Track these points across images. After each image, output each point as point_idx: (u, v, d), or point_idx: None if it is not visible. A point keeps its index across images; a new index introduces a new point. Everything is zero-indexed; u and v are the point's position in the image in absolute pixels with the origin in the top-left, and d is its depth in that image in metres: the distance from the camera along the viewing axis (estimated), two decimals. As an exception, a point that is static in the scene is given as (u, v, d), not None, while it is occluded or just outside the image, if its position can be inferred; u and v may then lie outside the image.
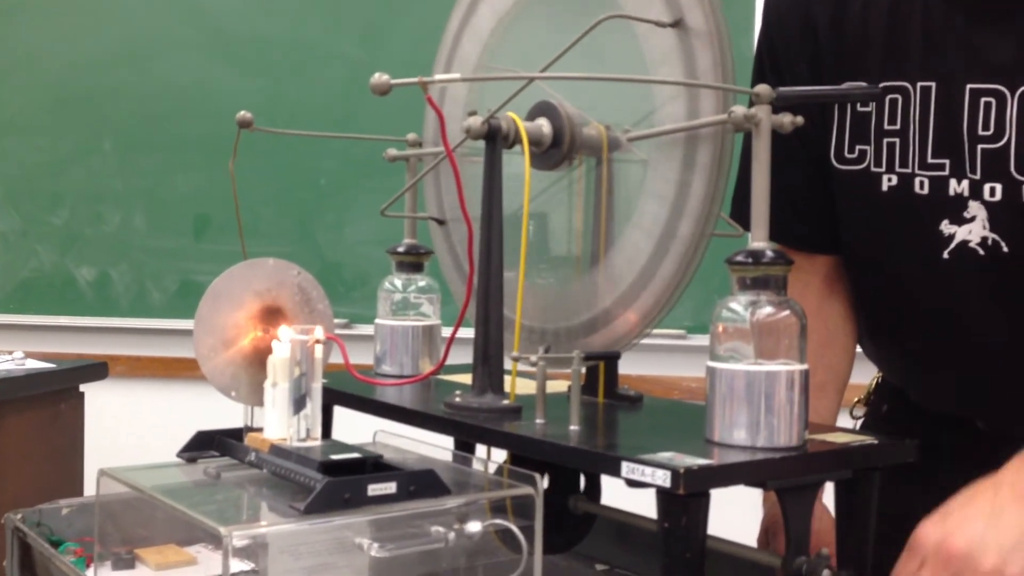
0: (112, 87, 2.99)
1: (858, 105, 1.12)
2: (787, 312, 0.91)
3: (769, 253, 0.91)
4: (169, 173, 2.95)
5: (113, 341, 2.97)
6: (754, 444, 0.89)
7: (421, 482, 0.91)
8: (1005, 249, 1.06)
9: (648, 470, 0.82)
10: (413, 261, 1.35)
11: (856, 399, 1.32)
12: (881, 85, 1.10)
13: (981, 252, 1.07)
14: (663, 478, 0.81)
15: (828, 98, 1.09)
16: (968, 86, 1.06)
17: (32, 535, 1.14)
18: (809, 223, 1.22)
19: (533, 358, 0.98)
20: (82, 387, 1.69)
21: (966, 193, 1.07)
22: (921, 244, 1.11)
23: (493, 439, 0.99)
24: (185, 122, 2.91)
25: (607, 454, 0.87)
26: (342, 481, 0.88)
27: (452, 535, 0.89)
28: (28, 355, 1.69)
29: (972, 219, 1.07)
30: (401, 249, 1.35)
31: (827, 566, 0.88)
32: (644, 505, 1.02)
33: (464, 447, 1.21)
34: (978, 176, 1.06)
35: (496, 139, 1.07)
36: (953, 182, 1.08)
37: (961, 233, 1.08)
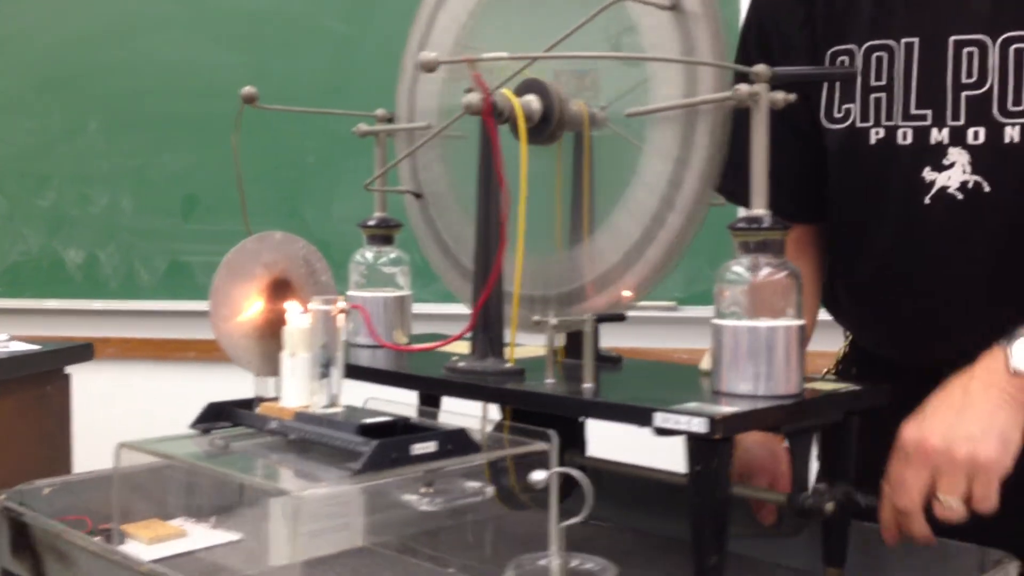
0: (96, 66, 2.95)
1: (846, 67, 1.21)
2: (785, 272, 0.99)
3: (767, 219, 0.99)
4: (156, 153, 2.92)
5: (103, 323, 2.94)
6: (762, 393, 0.97)
7: (456, 441, 0.97)
8: (987, 189, 1.16)
9: (683, 418, 0.90)
10: (384, 234, 1.39)
11: (825, 369, 1.41)
12: (867, 44, 1.20)
13: (960, 196, 1.17)
14: (699, 425, 0.89)
15: (815, 78, 1.18)
16: (951, 38, 1.16)
17: (30, 513, 1.14)
18: (784, 191, 1.31)
19: (553, 321, 1.04)
20: (72, 369, 1.66)
21: (946, 141, 1.17)
22: (904, 192, 1.20)
23: (516, 399, 1.05)
24: (170, 101, 2.88)
25: (639, 406, 0.94)
26: (390, 442, 0.92)
27: (490, 489, 0.95)
28: (17, 339, 1.65)
29: (951, 166, 1.17)
30: (372, 222, 1.39)
31: (830, 499, 0.98)
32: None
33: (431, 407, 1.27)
34: (962, 121, 1.16)
35: (493, 115, 1.12)
36: (935, 131, 1.17)
37: (941, 179, 1.18)
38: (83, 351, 1.66)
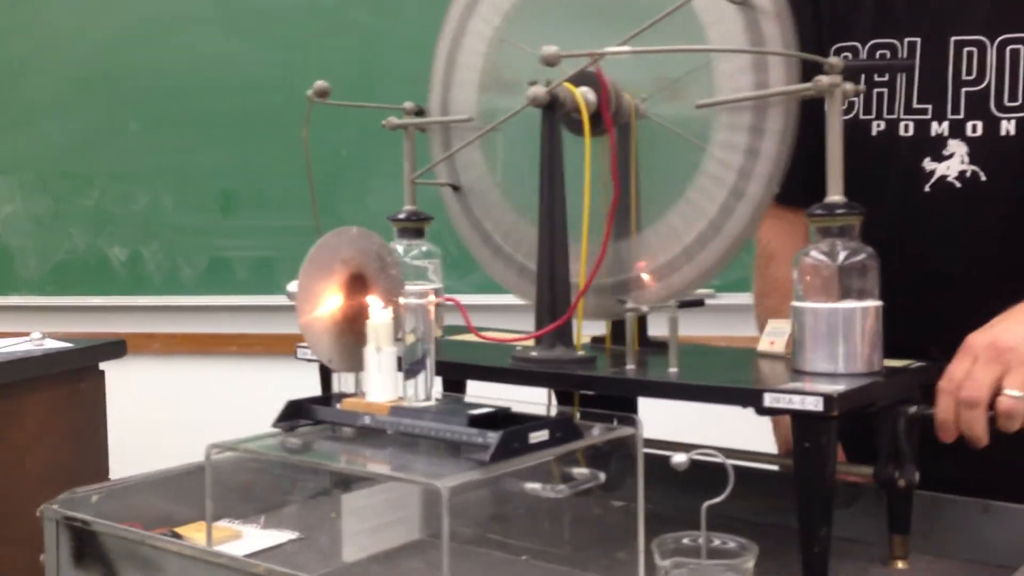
0: (131, 65, 2.99)
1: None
2: (863, 255, 1.04)
3: (842, 206, 1.04)
4: (193, 150, 2.93)
5: (147, 319, 3.00)
6: (843, 371, 1.01)
7: (563, 428, 0.98)
8: (983, 178, 1.24)
9: (796, 398, 0.93)
10: (415, 227, 1.39)
11: None
12: (871, 42, 1.26)
13: (958, 185, 1.25)
14: (815, 403, 0.92)
15: (876, 69, 1.24)
16: (952, 38, 1.23)
17: (100, 521, 1.10)
18: (797, 180, 1.36)
19: (644, 308, 1.07)
20: (114, 365, 1.60)
21: (946, 133, 1.25)
22: (905, 181, 1.27)
23: (612, 387, 1.07)
24: (204, 98, 2.88)
25: (746, 387, 0.97)
26: (511, 431, 0.93)
27: (603, 475, 0.97)
28: (54, 336, 1.59)
29: (950, 156, 1.25)
30: (402, 215, 1.39)
31: (916, 472, 1.03)
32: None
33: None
34: (961, 115, 1.24)
35: (556, 108, 1.14)
36: (935, 124, 1.25)
37: (940, 169, 1.26)
38: (116, 348, 1.62)
